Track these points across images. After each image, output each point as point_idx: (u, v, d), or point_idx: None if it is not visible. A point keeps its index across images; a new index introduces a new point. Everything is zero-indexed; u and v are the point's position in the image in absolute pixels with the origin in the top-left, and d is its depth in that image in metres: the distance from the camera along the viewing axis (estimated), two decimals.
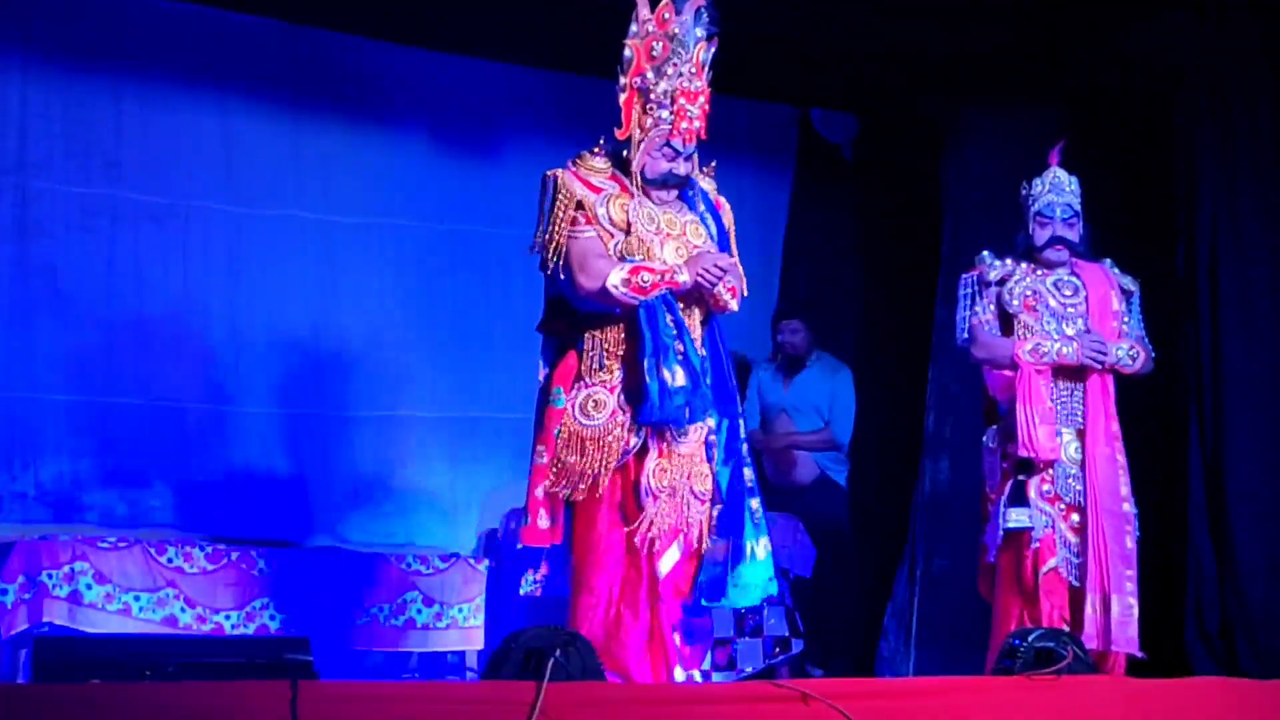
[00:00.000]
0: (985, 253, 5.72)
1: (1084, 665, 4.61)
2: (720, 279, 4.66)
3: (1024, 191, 5.68)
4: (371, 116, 7.39)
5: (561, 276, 4.64)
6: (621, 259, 4.62)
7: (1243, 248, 6.65)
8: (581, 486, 4.60)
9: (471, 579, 6.53)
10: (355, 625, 6.30)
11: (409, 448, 7.30)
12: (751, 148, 8.31)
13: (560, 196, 4.63)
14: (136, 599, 5.87)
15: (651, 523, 4.59)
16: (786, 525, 7.41)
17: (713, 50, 4.75)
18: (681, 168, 4.75)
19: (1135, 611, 5.41)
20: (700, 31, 4.71)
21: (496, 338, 7.54)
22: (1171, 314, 6.69)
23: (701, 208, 4.89)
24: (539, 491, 4.63)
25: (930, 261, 7.29)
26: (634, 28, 4.70)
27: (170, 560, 6.01)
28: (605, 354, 4.65)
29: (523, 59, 7.62)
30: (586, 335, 4.67)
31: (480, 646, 6.48)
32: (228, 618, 6.05)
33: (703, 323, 4.78)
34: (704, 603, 4.76)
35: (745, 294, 4.83)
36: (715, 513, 4.74)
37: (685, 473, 4.67)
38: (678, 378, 4.57)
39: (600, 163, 4.73)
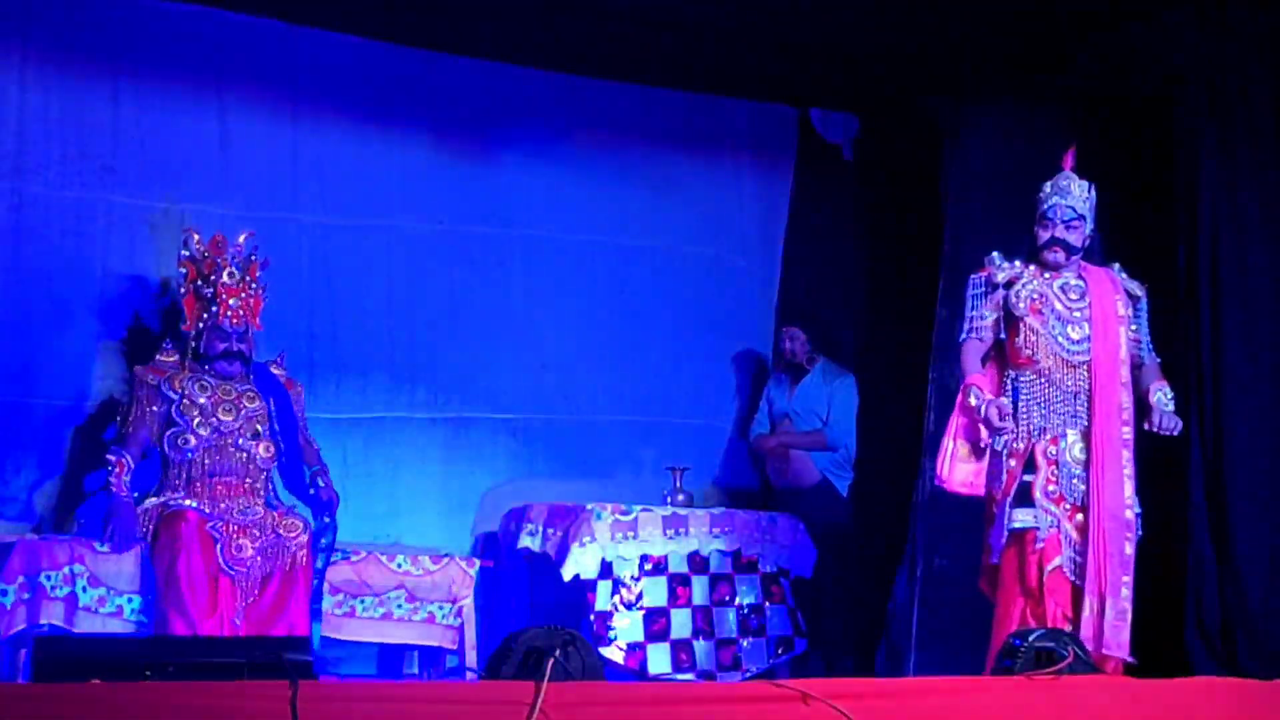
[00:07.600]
0: (995, 254, 5.78)
1: (1084, 665, 4.61)
2: None
3: (1038, 194, 5.75)
4: (371, 116, 7.37)
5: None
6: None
7: (1243, 247, 6.64)
8: None
9: (463, 580, 6.52)
10: (348, 623, 6.32)
11: (406, 448, 7.29)
12: (751, 148, 8.30)
13: None
14: (130, 601, 5.87)
15: None
16: (787, 525, 7.41)
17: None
18: (235, 345, 6.09)
19: (1129, 616, 5.43)
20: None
21: (495, 338, 7.54)
22: (1172, 314, 6.68)
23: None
24: None
25: (931, 261, 7.27)
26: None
27: None
28: None
29: (523, 59, 7.61)
30: None
31: (474, 646, 6.49)
32: None
33: None
34: None
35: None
36: None
37: None
38: None
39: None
